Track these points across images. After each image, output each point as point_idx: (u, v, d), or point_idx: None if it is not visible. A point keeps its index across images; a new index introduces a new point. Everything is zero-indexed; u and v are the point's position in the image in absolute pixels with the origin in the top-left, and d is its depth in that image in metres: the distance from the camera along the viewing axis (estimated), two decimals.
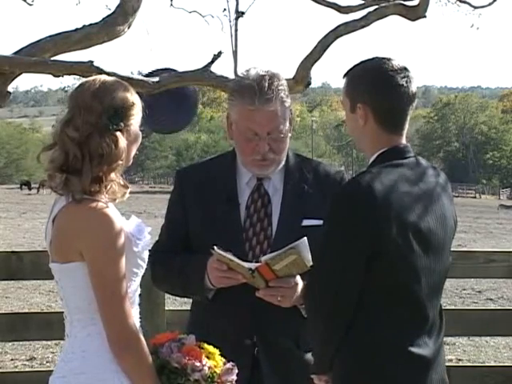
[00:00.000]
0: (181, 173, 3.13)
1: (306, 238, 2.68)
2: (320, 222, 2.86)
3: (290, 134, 2.97)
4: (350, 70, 2.71)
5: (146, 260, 2.54)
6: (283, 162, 2.98)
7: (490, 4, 8.66)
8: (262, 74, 2.90)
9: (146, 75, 6.82)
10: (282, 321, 2.88)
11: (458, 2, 8.84)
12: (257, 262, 2.83)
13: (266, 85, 2.87)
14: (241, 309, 2.87)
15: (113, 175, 2.46)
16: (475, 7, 8.90)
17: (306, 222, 2.92)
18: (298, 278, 2.80)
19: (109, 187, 2.45)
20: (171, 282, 3.01)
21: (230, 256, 2.72)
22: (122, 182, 2.50)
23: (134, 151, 2.56)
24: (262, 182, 2.98)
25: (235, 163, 3.01)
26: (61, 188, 2.44)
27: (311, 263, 2.70)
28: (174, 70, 6.87)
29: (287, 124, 2.94)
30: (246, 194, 2.97)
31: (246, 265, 2.73)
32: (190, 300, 3.13)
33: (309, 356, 2.87)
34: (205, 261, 2.83)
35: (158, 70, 6.95)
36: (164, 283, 3.07)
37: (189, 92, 6.96)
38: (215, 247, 2.73)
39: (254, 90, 2.86)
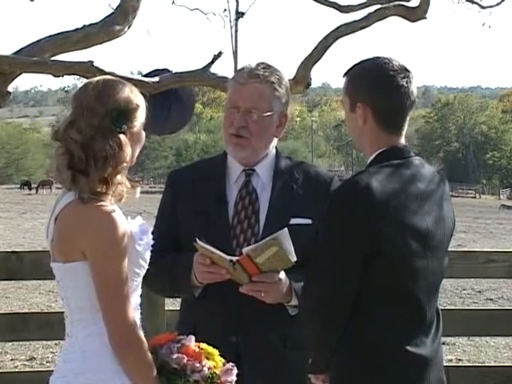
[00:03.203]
0: (172, 174, 3.17)
1: (286, 228, 2.69)
2: (308, 221, 2.90)
3: (274, 133, 2.99)
4: (351, 69, 2.71)
5: (148, 260, 2.54)
6: (263, 153, 2.99)
7: (498, 4, 8.65)
8: (263, 63, 3.00)
9: (145, 75, 6.80)
10: (269, 320, 2.88)
11: (467, 1, 8.82)
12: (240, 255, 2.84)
13: (262, 67, 2.97)
14: (226, 308, 2.88)
15: (119, 177, 2.46)
16: (484, 7, 8.90)
17: (293, 221, 2.93)
18: (283, 274, 2.81)
19: (115, 189, 2.45)
20: (161, 282, 3.02)
21: (211, 248, 2.73)
22: (128, 184, 2.50)
23: (137, 152, 2.56)
24: (251, 178, 2.99)
25: (225, 163, 3.04)
26: (69, 184, 2.44)
27: (295, 258, 2.72)
28: (170, 71, 6.86)
29: (273, 114, 2.96)
30: (235, 192, 2.99)
31: (228, 257, 2.74)
32: None
33: (297, 355, 2.88)
34: (191, 258, 2.85)
35: (156, 70, 6.94)
36: (155, 284, 3.05)
37: (184, 93, 6.93)
38: (197, 239, 2.74)
39: (248, 68, 2.97)
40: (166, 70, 6.89)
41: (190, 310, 3.01)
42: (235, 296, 2.80)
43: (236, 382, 2.57)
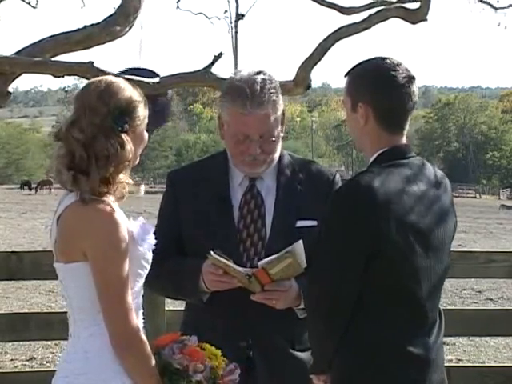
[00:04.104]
0: (173, 174, 3.12)
1: (301, 241, 2.68)
2: (314, 223, 2.88)
3: (282, 135, 2.97)
4: (352, 69, 2.71)
5: (150, 261, 2.54)
6: (275, 162, 2.98)
7: (510, 5, 8.67)
8: (254, 76, 2.88)
9: (120, 73, 6.61)
10: (277, 322, 2.88)
11: (479, 2, 8.86)
12: (252, 264, 2.83)
13: (258, 88, 2.85)
14: (235, 310, 2.86)
15: (121, 176, 2.46)
16: (496, 8, 8.93)
17: (300, 223, 2.92)
18: (293, 281, 2.81)
19: (116, 188, 2.46)
20: (165, 285, 3.00)
21: (226, 261, 2.72)
22: (131, 182, 2.51)
23: (140, 151, 2.56)
24: (255, 182, 2.97)
25: (227, 164, 3.00)
26: (70, 185, 2.44)
27: (305, 265, 2.71)
28: (149, 71, 6.76)
29: (279, 126, 2.93)
30: (239, 195, 2.96)
31: (243, 270, 2.73)
32: None
33: (304, 356, 2.88)
34: (199, 264, 2.83)
35: (131, 68, 6.81)
36: (158, 286, 3.03)
37: (162, 101, 6.82)
38: (211, 252, 2.73)
39: (245, 94, 2.84)
40: (143, 69, 6.74)
41: (196, 312, 2.98)
42: (242, 299, 2.79)
43: (249, 382, 2.57)
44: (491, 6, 8.91)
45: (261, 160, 2.90)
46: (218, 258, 2.72)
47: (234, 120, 2.88)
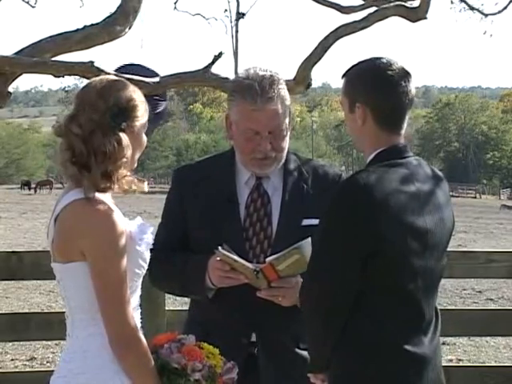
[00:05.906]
0: (179, 172, 3.12)
1: (309, 238, 2.68)
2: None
3: (289, 132, 2.97)
4: (349, 70, 2.72)
5: (148, 260, 2.54)
6: (283, 161, 2.99)
7: (500, 12, 8.69)
8: (262, 73, 2.90)
9: (116, 70, 6.57)
10: (282, 319, 2.89)
11: (469, 10, 8.88)
12: (258, 262, 2.83)
13: (267, 83, 2.87)
14: (240, 307, 2.87)
15: (121, 171, 2.46)
16: (486, 15, 8.95)
17: (305, 222, 2.92)
18: (299, 278, 2.81)
19: (120, 183, 2.46)
20: (170, 282, 3.01)
21: (234, 256, 2.73)
22: (132, 177, 2.51)
23: (138, 154, 2.56)
24: (262, 181, 2.97)
25: (234, 162, 3.01)
26: (75, 178, 2.44)
27: None
28: (143, 66, 6.71)
29: (287, 122, 2.94)
30: (246, 194, 2.96)
31: (251, 266, 2.74)
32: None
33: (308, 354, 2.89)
34: (205, 260, 2.83)
35: (126, 65, 6.78)
36: (163, 282, 3.06)
37: (164, 104, 6.80)
38: (220, 247, 2.73)
39: (255, 90, 2.85)
40: (138, 66, 6.71)
41: (202, 309, 2.99)
42: (248, 296, 2.80)
43: (252, 380, 2.57)
44: (480, 12, 8.92)
45: (271, 157, 2.91)
46: (226, 253, 2.73)
47: (243, 117, 2.88)
